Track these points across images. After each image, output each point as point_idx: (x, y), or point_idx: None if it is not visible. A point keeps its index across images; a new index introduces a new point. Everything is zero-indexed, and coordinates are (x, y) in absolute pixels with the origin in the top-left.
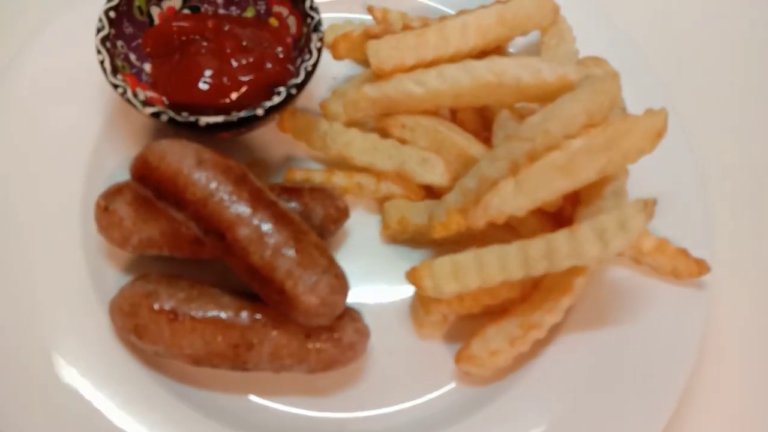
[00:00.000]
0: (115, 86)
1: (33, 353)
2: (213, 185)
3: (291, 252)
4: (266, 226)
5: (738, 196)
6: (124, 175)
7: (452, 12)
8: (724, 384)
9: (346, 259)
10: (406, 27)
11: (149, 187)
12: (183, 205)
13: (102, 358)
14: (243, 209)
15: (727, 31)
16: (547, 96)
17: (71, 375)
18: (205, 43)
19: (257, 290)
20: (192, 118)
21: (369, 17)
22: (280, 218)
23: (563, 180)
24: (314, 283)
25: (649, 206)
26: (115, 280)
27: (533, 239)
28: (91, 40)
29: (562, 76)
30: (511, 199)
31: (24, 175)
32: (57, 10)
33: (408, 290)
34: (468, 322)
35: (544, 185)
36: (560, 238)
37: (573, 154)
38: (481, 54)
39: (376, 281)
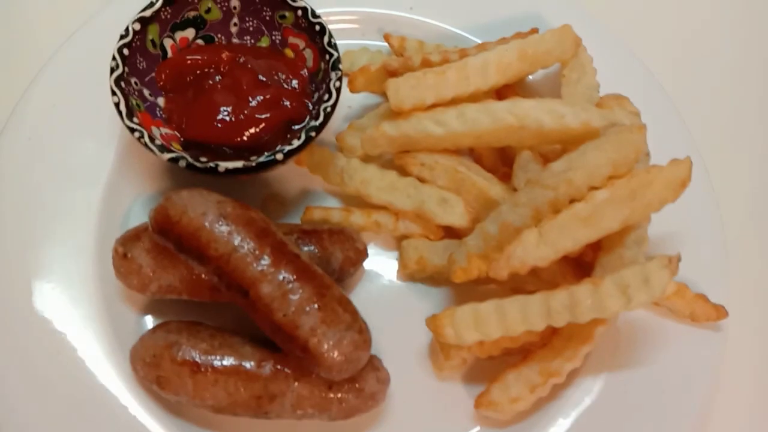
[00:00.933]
0: (132, 130)
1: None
2: (236, 240)
3: (314, 309)
4: (289, 283)
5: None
6: (138, 211)
7: (468, 35)
8: (736, 424)
9: (363, 296)
10: (425, 61)
11: (170, 240)
12: (205, 260)
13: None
14: (266, 265)
15: (743, 61)
16: (569, 140)
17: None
18: (219, 77)
19: (280, 344)
20: (211, 164)
21: (385, 44)
22: (303, 273)
23: (586, 231)
24: (338, 340)
25: (673, 263)
26: (133, 319)
27: (556, 291)
28: (103, 70)
29: (585, 123)
30: (534, 250)
31: (38, 209)
32: (66, 38)
33: (426, 330)
34: (487, 362)
35: (568, 236)
36: (583, 291)
37: (597, 206)
38: (502, 87)
39: (393, 320)
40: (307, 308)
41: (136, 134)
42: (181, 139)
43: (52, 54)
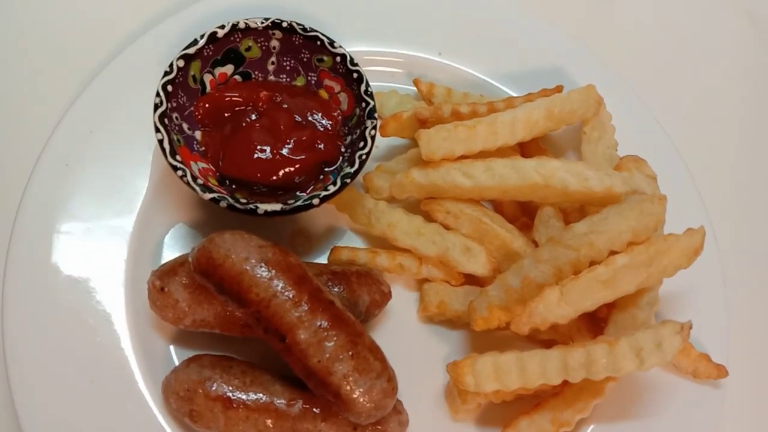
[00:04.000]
0: (175, 168)
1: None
2: (276, 286)
3: (348, 356)
4: (325, 331)
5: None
6: (170, 239)
7: (493, 82)
8: None
9: (383, 335)
10: (455, 113)
11: (211, 282)
12: (245, 303)
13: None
14: (303, 312)
15: (756, 120)
16: (591, 201)
17: None
18: (256, 115)
19: (312, 388)
20: (251, 206)
21: (413, 87)
22: (337, 320)
23: (605, 292)
24: (369, 388)
25: (684, 330)
26: (162, 347)
27: (573, 348)
28: (139, 98)
29: (608, 188)
30: (556, 309)
31: (72, 234)
32: (103, 65)
33: (443, 371)
34: (500, 406)
35: (588, 297)
36: (599, 350)
37: (617, 270)
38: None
39: (412, 360)
40: (341, 356)
41: (179, 173)
42: (217, 174)
43: (89, 79)
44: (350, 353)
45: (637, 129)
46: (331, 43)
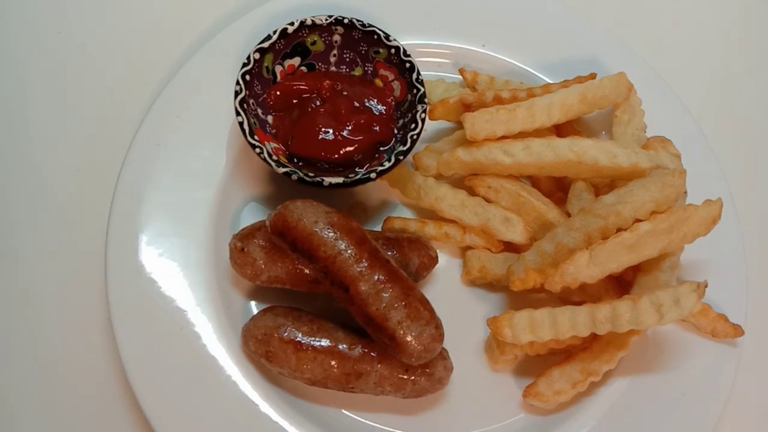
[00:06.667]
0: (254, 146)
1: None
2: (341, 245)
3: (401, 305)
4: (382, 284)
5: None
6: (246, 210)
7: (533, 71)
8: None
9: (431, 296)
10: (497, 98)
11: (286, 242)
12: (315, 259)
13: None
14: (364, 267)
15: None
16: (620, 176)
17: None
18: (320, 101)
19: (370, 333)
20: (318, 179)
21: (458, 76)
22: (392, 276)
23: (630, 256)
24: (419, 332)
25: (700, 288)
26: (240, 302)
27: (600, 305)
28: (218, 87)
29: (634, 164)
30: (585, 269)
31: (163, 206)
32: (187, 58)
33: (483, 328)
34: (534, 359)
35: (614, 259)
36: (624, 306)
37: (640, 236)
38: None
39: (456, 318)
40: (396, 305)
41: (257, 150)
42: (286, 152)
43: (175, 70)
44: (403, 303)
45: (665, 113)
46: (387, 36)
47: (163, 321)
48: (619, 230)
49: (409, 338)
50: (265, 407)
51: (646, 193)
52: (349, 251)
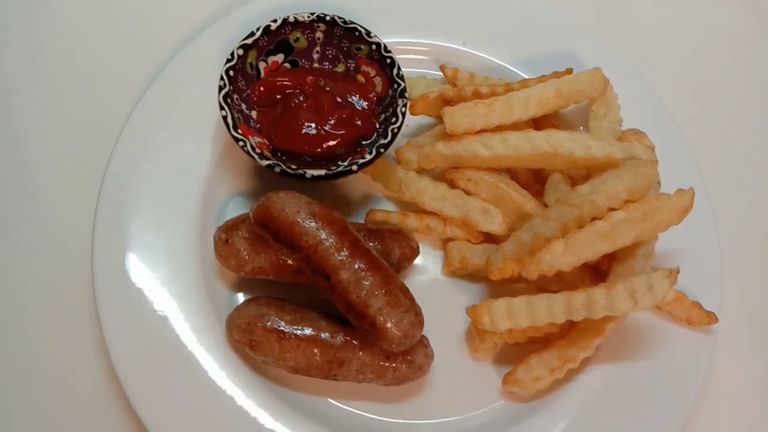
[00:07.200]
0: (237, 139)
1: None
2: (322, 235)
3: (382, 293)
4: (363, 272)
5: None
6: (231, 204)
7: (511, 68)
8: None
9: (413, 287)
10: (476, 93)
11: (269, 232)
12: (297, 249)
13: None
14: (345, 256)
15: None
16: (594, 167)
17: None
18: (303, 97)
19: (352, 320)
20: (300, 171)
21: (439, 73)
22: (373, 264)
23: (604, 244)
24: (399, 319)
25: (673, 274)
26: (225, 293)
27: (576, 292)
28: (203, 84)
29: (608, 155)
30: (561, 258)
31: (149, 199)
32: (172, 55)
33: (464, 318)
34: (514, 348)
35: (589, 247)
36: (599, 293)
37: (614, 224)
38: (539, 117)
39: (437, 308)
40: (376, 293)
41: (240, 143)
42: (270, 147)
43: (161, 68)
44: (384, 291)
45: (641, 107)
46: (368, 33)
47: (150, 312)
48: (594, 219)
49: (389, 324)
50: (250, 396)
51: (620, 183)
52: (330, 240)
